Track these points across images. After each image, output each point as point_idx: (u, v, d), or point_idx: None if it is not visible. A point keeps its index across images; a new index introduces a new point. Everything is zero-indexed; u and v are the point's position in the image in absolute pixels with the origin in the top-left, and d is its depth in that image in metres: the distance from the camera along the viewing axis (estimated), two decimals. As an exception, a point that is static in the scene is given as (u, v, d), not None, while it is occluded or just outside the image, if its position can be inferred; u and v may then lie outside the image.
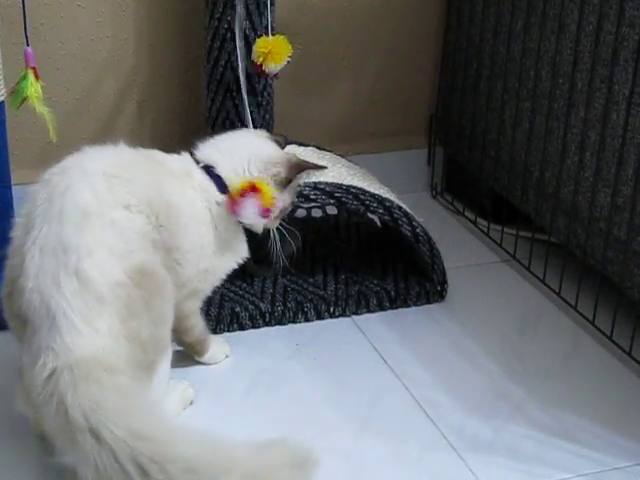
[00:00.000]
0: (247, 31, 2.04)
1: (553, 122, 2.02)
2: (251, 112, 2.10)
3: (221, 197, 1.65)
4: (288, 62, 1.97)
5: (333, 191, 1.89)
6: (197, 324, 1.73)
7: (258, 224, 1.69)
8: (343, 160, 2.08)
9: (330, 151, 2.10)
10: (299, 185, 1.79)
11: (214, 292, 1.92)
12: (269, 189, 1.67)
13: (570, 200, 1.99)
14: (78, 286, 1.39)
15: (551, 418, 1.68)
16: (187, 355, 1.78)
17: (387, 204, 1.93)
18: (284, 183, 1.71)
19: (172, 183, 1.61)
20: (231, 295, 1.95)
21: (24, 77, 1.79)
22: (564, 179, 2.00)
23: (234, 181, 1.66)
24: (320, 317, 1.95)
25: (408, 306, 2.00)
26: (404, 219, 1.95)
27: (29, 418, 1.49)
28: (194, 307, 1.71)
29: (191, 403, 1.67)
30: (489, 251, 2.26)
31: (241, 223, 1.68)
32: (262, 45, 1.95)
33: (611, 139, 1.85)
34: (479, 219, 2.35)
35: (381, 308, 1.98)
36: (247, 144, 1.73)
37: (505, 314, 2.00)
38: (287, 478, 1.34)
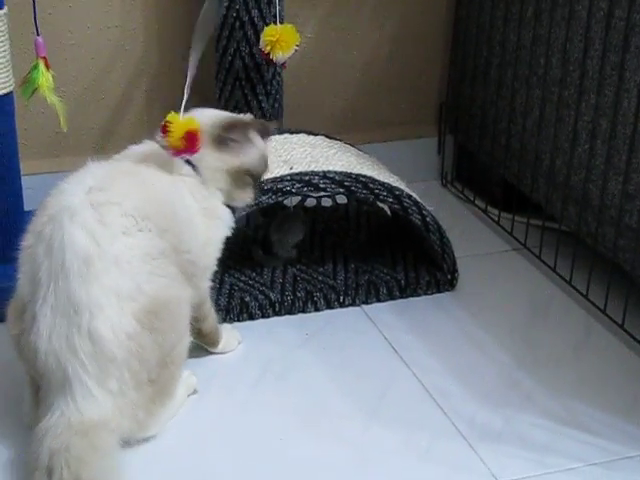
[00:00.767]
0: (256, 19, 2.04)
1: (564, 110, 2.01)
2: (260, 101, 2.10)
3: (188, 168, 1.64)
4: (296, 51, 1.96)
5: (342, 180, 1.89)
6: (211, 308, 1.74)
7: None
8: (353, 149, 2.07)
9: (340, 140, 2.09)
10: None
11: (223, 282, 1.93)
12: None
13: (581, 188, 1.98)
14: (92, 348, 1.43)
15: (562, 407, 1.67)
16: (196, 346, 1.77)
17: (397, 193, 1.93)
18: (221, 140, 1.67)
19: (154, 179, 1.59)
20: (241, 285, 1.95)
21: (35, 67, 1.80)
22: (575, 167, 1.99)
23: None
24: (330, 306, 1.94)
25: (418, 295, 2.00)
26: (414, 208, 1.94)
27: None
28: (207, 287, 1.71)
29: (195, 392, 1.66)
30: (500, 240, 2.25)
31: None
32: (270, 33, 1.94)
33: (622, 126, 1.84)
34: (489, 207, 2.34)
35: (391, 297, 1.98)
36: (201, 115, 1.70)
37: (516, 303, 1.99)
38: None
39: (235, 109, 2.10)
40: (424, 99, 2.49)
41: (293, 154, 1.94)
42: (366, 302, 1.96)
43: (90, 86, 2.21)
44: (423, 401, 1.69)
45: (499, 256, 2.19)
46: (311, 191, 1.88)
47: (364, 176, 1.91)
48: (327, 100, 2.40)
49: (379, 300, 1.97)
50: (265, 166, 1.74)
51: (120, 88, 2.24)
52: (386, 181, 1.93)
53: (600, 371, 1.78)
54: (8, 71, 1.85)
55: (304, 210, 2.18)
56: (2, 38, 1.83)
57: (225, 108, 2.11)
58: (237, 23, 2.03)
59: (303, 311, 1.93)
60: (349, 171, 1.91)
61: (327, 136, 2.07)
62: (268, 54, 1.95)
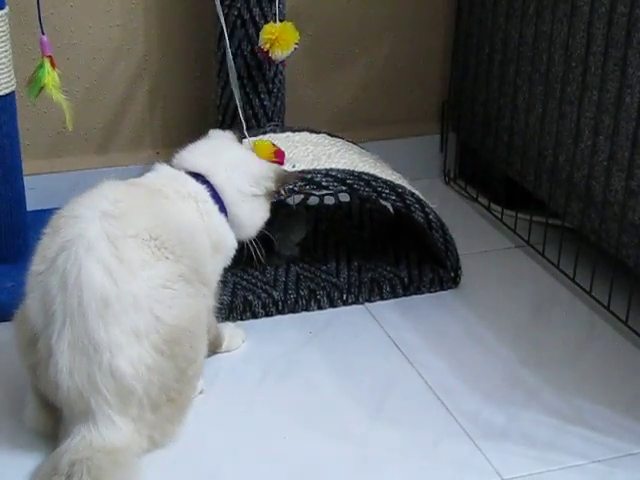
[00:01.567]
0: (257, 18, 2.03)
1: (566, 106, 2.00)
2: (262, 99, 2.10)
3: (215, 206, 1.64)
4: (295, 49, 1.96)
5: (345, 178, 1.88)
6: (213, 321, 1.73)
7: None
8: (355, 147, 2.07)
9: (342, 138, 2.09)
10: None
11: (226, 281, 1.92)
12: None
13: (584, 185, 1.97)
14: (114, 384, 1.43)
15: (565, 404, 1.67)
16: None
17: (399, 190, 1.92)
18: (272, 195, 1.72)
19: (170, 207, 1.58)
20: (244, 283, 1.95)
21: (41, 66, 1.80)
22: (578, 163, 1.99)
23: (229, 193, 1.65)
24: (333, 305, 1.94)
25: (421, 293, 2.00)
26: (417, 205, 1.94)
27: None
28: (211, 306, 1.70)
29: (201, 392, 1.66)
30: (503, 237, 2.25)
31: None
32: (269, 31, 1.94)
33: (625, 123, 1.83)
34: (492, 205, 2.34)
35: (394, 295, 1.98)
36: (233, 156, 1.71)
37: (519, 300, 1.99)
38: None
39: (236, 108, 2.10)
40: (426, 96, 2.49)
41: (295, 152, 1.94)
42: (369, 300, 1.96)
43: (92, 86, 2.21)
44: (427, 399, 1.68)
45: (502, 253, 2.19)
46: (314, 189, 1.88)
47: (367, 174, 1.91)
48: (329, 98, 2.40)
49: (382, 298, 1.97)
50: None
51: (122, 88, 2.23)
52: (389, 179, 1.93)
53: (604, 368, 1.77)
54: (10, 71, 1.86)
55: (306, 208, 2.18)
56: (3, 38, 1.83)
57: (227, 107, 2.11)
58: (238, 21, 2.03)
59: (306, 309, 1.93)
60: (352, 169, 1.91)
61: (329, 134, 2.07)
62: (267, 52, 1.95)
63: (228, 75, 2.02)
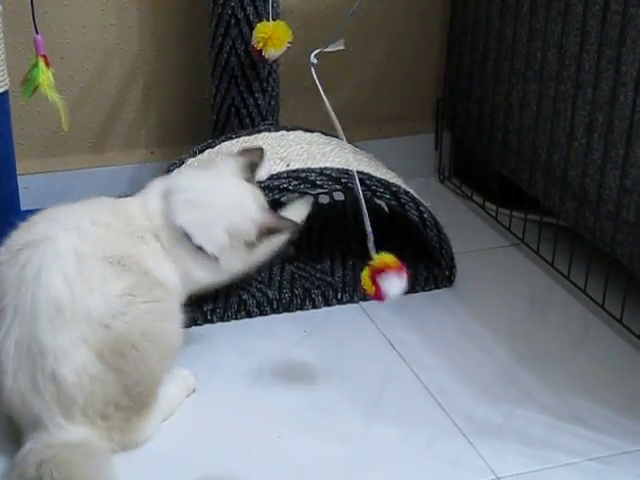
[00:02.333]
0: (251, 16, 2.03)
1: (560, 104, 2.01)
2: (256, 98, 2.09)
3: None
4: (289, 47, 1.96)
5: (339, 177, 1.88)
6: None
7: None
8: (349, 145, 2.05)
9: (336, 136, 2.09)
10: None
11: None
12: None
13: (578, 183, 1.97)
14: (56, 392, 1.42)
15: (560, 402, 1.67)
16: (195, 342, 1.78)
17: (394, 189, 1.92)
18: (252, 246, 1.65)
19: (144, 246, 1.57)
20: (238, 283, 1.94)
21: (35, 65, 1.79)
22: (572, 162, 1.99)
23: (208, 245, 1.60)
24: (328, 304, 1.94)
25: (416, 291, 1.99)
26: (411, 204, 1.94)
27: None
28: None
29: (194, 391, 1.66)
30: (497, 235, 2.25)
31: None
32: (262, 30, 1.94)
33: (619, 121, 1.83)
34: (487, 203, 2.34)
35: (389, 294, 1.97)
36: (223, 205, 1.63)
37: (514, 298, 1.99)
38: None
39: (231, 106, 2.10)
40: (421, 95, 2.49)
41: (290, 151, 1.94)
42: (364, 299, 1.96)
43: (86, 85, 2.21)
44: (421, 397, 1.68)
45: (497, 252, 2.19)
46: (308, 188, 1.87)
47: (361, 172, 1.91)
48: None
49: (377, 297, 1.97)
50: None
51: (116, 87, 2.23)
52: (383, 177, 1.93)
53: (599, 366, 1.78)
54: (3, 70, 1.85)
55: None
56: (-3, 37, 1.83)
57: (221, 106, 2.11)
58: (232, 20, 2.03)
59: (301, 308, 1.93)
60: (346, 168, 1.91)
61: (324, 133, 2.07)
62: (260, 51, 1.95)
63: (222, 74, 2.03)
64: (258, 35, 1.94)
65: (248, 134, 2.01)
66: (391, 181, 1.93)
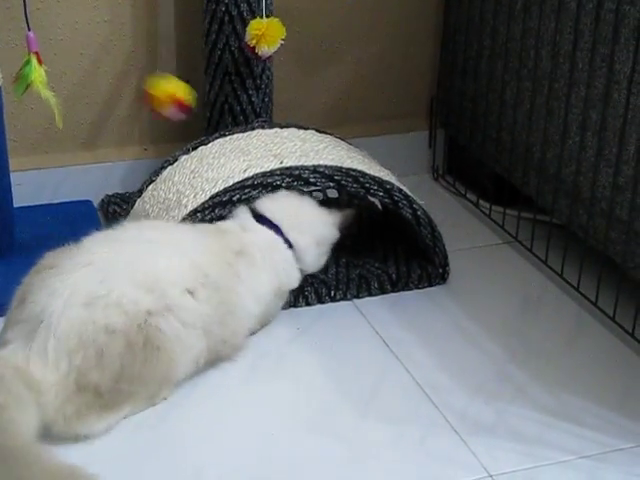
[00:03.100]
0: (245, 13, 2.03)
1: (554, 102, 2.01)
2: (250, 95, 2.09)
3: None
4: (282, 45, 1.96)
5: (333, 174, 1.88)
6: None
7: None
8: (343, 143, 2.06)
9: (330, 134, 2.09)
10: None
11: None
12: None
13: (572, 181, 1.97)
14: (67, 329, 1.48)
15: (554, 400, 1.67)
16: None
17: (387, 187, 1.92)
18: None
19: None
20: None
21: (27, 62, 1.79)
22: (565, 160, 1.99)
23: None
24: (321, 301, 1.94)
25: (410, 289, 1.99)
26: (405, 202, 1.94)
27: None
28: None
29: (165, 398, 1.64)
30: (491, 233, 2.25)
31: None
32: (256, 27, 1.94)
33: (612, 119, 1.83)
34: (481, 201, 2.34)
35: (382, 291, 1.97)
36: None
37: (507, 296, 1.99)
38: None
39: (225, 104, 2.09)
40: (414, 92, 2.49)
41: (283, 148, 1.93)
42: (357, 296, 1.96)
43: (79, 82, 2.20)
44: (414, 395, 1.68)
45: (490, 249, 2.19)
46: (301, 185, 1.87)
47: (355, 170, 1.91)
48: (317, 94, 2.40)
49: (370, 294, 1.97)
50: None
51: (109, 83, 2.23)
52: (377, 175, 1.93)
53: (592, 363, 1.78)
54: (-5, 67, 1.85)
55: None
56: (-11, 34, 1.82)
57: (214, 103, 2.11)
58: (226, 17, 2.03)
59: (294, 306, 1.93)
60: (339, 165, 1.91)
61: (317, 130, 2.07)
62: (254, 48, 1.94)
63: (216, 71, 2.02)
64: (252, 32, 1.94)
65: (242, 131, 2.00)
66: (385, 179, 1.93)
